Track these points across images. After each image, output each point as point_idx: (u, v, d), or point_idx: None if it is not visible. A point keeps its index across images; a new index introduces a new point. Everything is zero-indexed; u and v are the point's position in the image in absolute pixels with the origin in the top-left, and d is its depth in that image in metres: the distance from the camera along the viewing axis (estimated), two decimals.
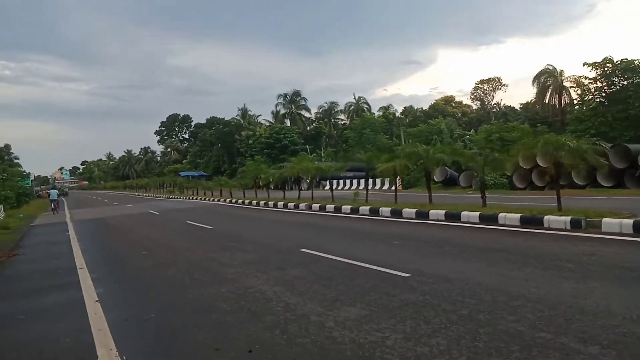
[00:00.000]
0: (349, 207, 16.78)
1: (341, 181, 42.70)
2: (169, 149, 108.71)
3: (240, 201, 26.44)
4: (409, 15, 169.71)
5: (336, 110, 77.07)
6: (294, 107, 75.85)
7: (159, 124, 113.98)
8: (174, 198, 42.41)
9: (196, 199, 37.70)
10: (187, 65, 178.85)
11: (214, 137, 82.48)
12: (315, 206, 19.08)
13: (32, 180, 69.39)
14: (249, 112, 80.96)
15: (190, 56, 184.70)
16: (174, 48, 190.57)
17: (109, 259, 10.48)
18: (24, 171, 67.90)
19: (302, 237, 11.42)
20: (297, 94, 76.40)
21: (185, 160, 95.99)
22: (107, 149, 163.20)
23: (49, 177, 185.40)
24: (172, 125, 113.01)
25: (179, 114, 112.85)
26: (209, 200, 33.55)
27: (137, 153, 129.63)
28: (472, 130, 52.12)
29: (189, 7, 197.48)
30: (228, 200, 29.06)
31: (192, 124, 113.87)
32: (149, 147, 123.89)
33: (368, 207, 15.86)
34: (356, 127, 56.30)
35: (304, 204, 19.98)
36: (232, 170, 74.95)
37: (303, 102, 76.23)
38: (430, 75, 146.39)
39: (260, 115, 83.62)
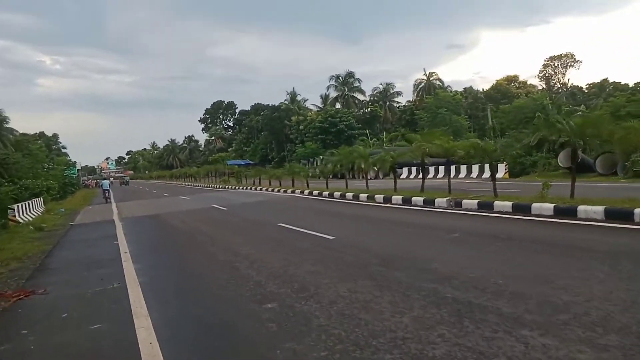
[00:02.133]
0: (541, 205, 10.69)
1: (405, 169, 36.96)
2: (213, 137, 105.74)
3: (324, 193, 21.40)
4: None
5: (392, 92, 70.96)
6: (346, 89, 70.33)
7: (203, 112, 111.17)
8: (232, 189, 37.87)
9: (260, 189, 32.86)
10: (228, 55, 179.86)
11: (261, 123, 78.16)
12: (440, 201, 13.81)
13: (78, 170, 67.42)
14: (298, 96, 75.90)
15: (232, 46, 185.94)
16: (216, 38, 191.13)
17: (202, 315, 5.22)
18: (70, 160, 66.18)
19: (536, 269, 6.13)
20: (350, 75, 70.79)
21: (230, 149, 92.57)
22: (152, 139, 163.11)
23: (95, 167, 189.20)
24: (216, 112, 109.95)
25: (223, 101, 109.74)
26: (277, 191, 28.61)
27: (181, 142, 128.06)
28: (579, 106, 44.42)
29: None
30: (305, 192, 23.95)
31: (237, 111, 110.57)
32: (192, 136, 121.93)
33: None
34: (429, 107, 50.20)
35: (419, 199, 14.74)
36: (280, 158, 70.57)
37: (357, 84, 70.60)
38: (473, 58, 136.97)
39: (307, 99, 78.54)
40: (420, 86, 66.56)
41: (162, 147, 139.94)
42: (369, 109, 70.31)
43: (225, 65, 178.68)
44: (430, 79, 66.06)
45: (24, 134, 56.73)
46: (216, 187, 43.21)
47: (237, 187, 38.60)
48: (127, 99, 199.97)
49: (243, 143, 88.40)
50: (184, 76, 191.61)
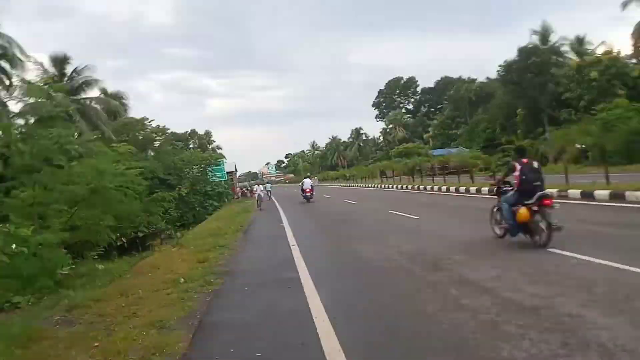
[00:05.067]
0: None
1: None
2: (391, 125, 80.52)
3: None
4: None
5: None
6: None
7: (376, 95, 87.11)
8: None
9: None
10: (367, 62, 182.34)
11: (485, 89, 49.67)
12: None
13: (230, 173, 47.77)
14: (553, 36, 44.72)
15: (370, 52, 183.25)
16: (354, 46, 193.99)
17: None
18: (219, 155, 47.72)
19: None
20: None
21: (427, 134, 66.00)
22: (309, 143, 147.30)
23: (257, 172, 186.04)
24: (392, 93, 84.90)
25: (401, 78, 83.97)
26: None
27: (346, 139, 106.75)
28: None
29: (362, 5, 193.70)
30: None
31: (418, 89, 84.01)
32: (360, 128, 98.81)
33: None
34: None
35: None
36: (535, 135, 41.31)
37: None
38: None
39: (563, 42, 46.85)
40: None
41: (323, 146, 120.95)
42: None
43: (365, 71, 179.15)
44: None
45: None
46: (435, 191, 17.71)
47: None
48: (280, 111, 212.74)
49: (446, 125, 61.17)
50: (328, 86, 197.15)
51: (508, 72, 42.95)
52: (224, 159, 40.14)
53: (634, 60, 37.67)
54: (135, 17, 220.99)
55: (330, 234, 12.62)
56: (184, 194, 28.53)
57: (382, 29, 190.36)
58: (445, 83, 79.33)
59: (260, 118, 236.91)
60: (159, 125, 31.08)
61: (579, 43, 42.24)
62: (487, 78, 58.59)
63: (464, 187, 21.12)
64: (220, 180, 37.43)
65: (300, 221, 16.87)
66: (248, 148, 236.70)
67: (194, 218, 29.18)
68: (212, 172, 36.07)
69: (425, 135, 67.62)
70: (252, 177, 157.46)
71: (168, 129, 33.22)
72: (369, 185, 43.29)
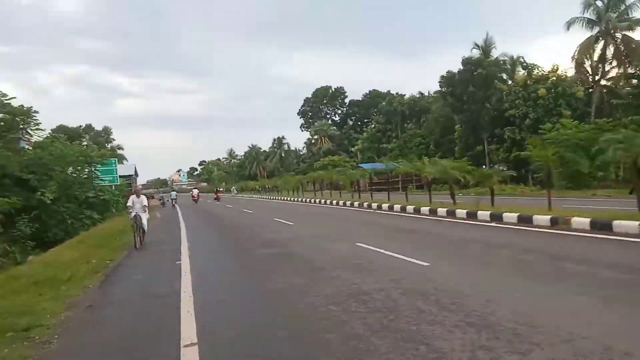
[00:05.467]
0: None
1: None
2: (317, 136, 75.72)
3: None
4: None
5: None
6: (610, 22, 36.61)
7: (302, 103, 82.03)
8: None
9: None
10: (289, 75, 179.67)
11: (419, 103, 46.43)
12: None
13: (126, 177, 39.03)
14: (493, 49, 42.50)
15: (292, 65, 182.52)
16: (276, 58, 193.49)
17: None
18: (113, 154, 38.58)
19: None
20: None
21: (355, 147, 61.82)
22: (226, 151, 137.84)
23: (167, 179, 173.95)
24: (319, 102, 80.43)
25: (330, 87, 79.85)
26: None
27: (267, 148, 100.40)
28: None
29: (288, 20, 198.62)
30: None
31: (346, 100, 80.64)
32: (283, 137, 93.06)
33: None
34: None
35: None
36: (475, 154, 38.36)
37: (628, 14, 36.73)
38: None
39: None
40: None
41: (242, 154, 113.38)
42: None
43: (286, 84, 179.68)
44: None
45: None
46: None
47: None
48: (198, 117, 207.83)
49: (375, 139, 57.43)
50: (249, 95, 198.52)
51: (449, 84, 39.86)
52: (115, 159, 31.63)
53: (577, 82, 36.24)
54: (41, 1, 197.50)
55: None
56: (50, 200, 20.41)
57: (309, 43, 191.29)
58: (374, 96, 76.61)
59: (174, 123, 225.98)
60: (22, 106, 22.47)
61: (519, 61, 40.45)
62: (420, 93, 56.18)
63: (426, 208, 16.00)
64: (110, 185, 29.21)
65: (214, 260, 10.38)
66: (160, 154, 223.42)
67: (65, 234, 21.05)
68: (97, 174, 27.90)
69: (354, 148, 63.59)
70: (162, 184, 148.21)
71: (36, 112, 24.19)
72: (298, 199, 37.35)
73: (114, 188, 29.61)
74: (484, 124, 37.84)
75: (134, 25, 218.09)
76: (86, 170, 25.61)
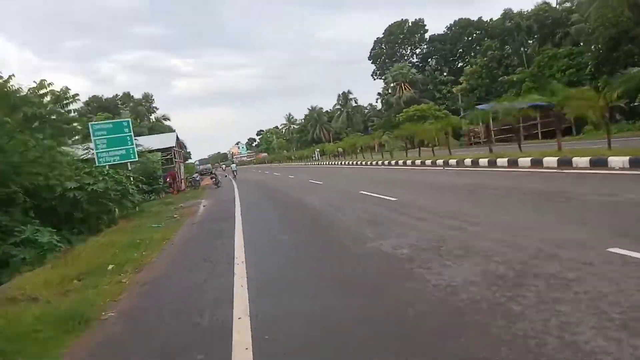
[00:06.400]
0: None
1: None
2: (395, 83, 61.37)
3: None
4: None
5: None
6: None
7: (371, 45, 67.47)
8: None
9: None
10: (335, 38, 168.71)
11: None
12: None
13: (166, 150, 28.21)
14: None
15: (337, 29, 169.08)
16: (321, 22, 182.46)
17: None
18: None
19: None
20: None
21: (456, 87, 47.25)
22: (281, 120, 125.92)
23: (227, 153, 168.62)
24: (393, 42, 65.56)
25: (406, 21, 64.46)
26: None
27: (330, 109, 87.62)
28: None
29: None
30: None
31: (426, 36, 65.27)
32: (349, 92, 79.47)
33: None
34: None
35: None
36: None
37: None
38: None
39: None
40: None
41: (302, 118, 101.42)
42: None
43: (333, 48, 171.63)
44: None
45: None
46: None
47: None
48: (252, 90, 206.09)
49: (486, 72, 42.51)
50: (298, 62, 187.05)
51: None
52: (129, 120, 19.70)
53: None
54: None
55: None
56: None
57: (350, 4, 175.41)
58: (462, 26, 60.79)
59: (229, 97, 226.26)
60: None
61: None
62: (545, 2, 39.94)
63: None
64: (124, 162, 17.97)
65: None
66: (219, 129, 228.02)
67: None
68: (100, 142, 16.64)
69: (455, 88, 49.01)
70: (222, 158, 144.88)
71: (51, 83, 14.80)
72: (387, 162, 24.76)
73: (130, 168, 18.34)
74: None
75: (182, 8, 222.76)
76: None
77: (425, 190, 12.20)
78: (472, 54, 59.97)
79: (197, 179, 33.83)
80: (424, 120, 39.57)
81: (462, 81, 46.33)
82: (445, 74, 62.31)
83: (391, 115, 58.65)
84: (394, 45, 64.39)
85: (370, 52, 66.56)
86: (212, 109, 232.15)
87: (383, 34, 64.68)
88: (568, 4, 37.23)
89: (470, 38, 60.36)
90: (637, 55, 28.44)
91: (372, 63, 67.10)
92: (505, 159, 14.57)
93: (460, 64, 63.41)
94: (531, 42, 40.41)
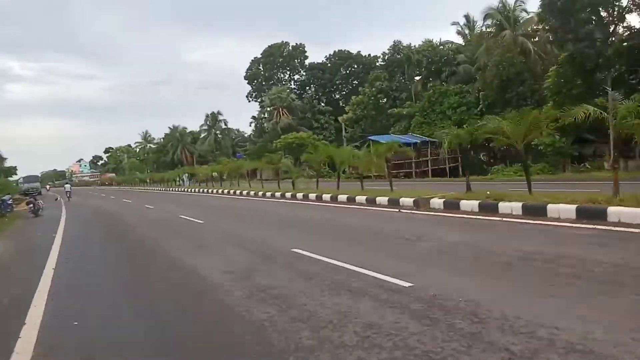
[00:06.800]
0: None
1: None
2: (272, 107, 56.70)
3: None
4: None
5: None
6: None
7: (249, 64, 62.21)
8: None
9: None
10: (200, 60, 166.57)
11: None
12: None
13: None
14: None
15: (203, 51, 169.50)
16: (186, 44, 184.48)
17: None
18: None
19: None
20: None
21: (345, 116, 44.12)
22: (135, 139, 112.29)
23: (65, 170, 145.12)
24: (272, 64, 61.27)
25: (287, 43, 60.81)
26: None
27: (196, 129, 79.54)
28: None
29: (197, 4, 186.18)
30: None
31: (306, 63, 62.85)
32: (219, 113, 72.74)
33: None
34: None
35: None
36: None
37: None
38: None
39: None
40: None
41: (161, 137, 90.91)
42: None
43: (197, 70, 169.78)
44: None
45: None
46: None
47: None
48: (103, 104, 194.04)
49: (373, 104, 40.28)
50: (158, 81, 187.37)
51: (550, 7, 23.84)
52: None
53: None
54: None
55: None
56: None
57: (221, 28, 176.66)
58: (342, 58, 59.68)
59: (74, 109, 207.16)
60: None
61: None
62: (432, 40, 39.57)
63: None
64: None
65: None
66: (57, 142, 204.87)
67: None
68: None
69: (340, 118, 45.91)
70: (58, 176, 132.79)
71: None
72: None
73: None
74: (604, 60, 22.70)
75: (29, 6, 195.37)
76: None
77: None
78: (350, 87, 59.11)
79: (10, 202, 23.84)
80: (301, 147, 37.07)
81: (348, 110, 43.79)
82: (323, 103, 60.21)
83: (267, 141, 53.85)
84: (273, 67, 60.24)
85: (247, 72, 61.30)
86: (52, 120, 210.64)
87: (262, 54, 60.20)
88: (453, 45, 37.40)
89: (347, 71, 59.48)
90: (529, 98, 28.52)
91: (247, 83, 61.85)
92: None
93: (337, 96, 62.09)
94: (418, 78, 39.78)
